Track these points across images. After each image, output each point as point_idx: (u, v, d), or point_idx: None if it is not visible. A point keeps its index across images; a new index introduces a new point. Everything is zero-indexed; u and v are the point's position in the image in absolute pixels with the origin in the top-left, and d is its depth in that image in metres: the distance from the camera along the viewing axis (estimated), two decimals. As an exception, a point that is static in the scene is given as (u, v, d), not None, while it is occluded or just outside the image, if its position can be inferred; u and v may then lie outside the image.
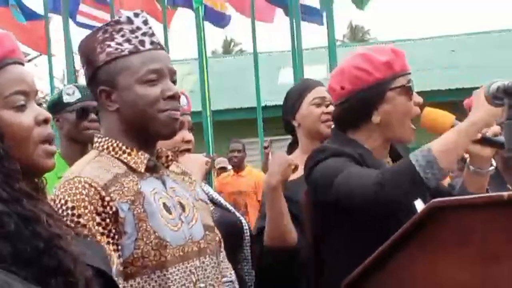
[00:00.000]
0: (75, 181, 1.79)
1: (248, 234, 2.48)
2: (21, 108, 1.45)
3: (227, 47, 38.27)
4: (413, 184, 1.97)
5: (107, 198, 1.78)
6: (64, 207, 1.77)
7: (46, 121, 1.48)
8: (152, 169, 1.90)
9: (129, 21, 1.90)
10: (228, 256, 2.30)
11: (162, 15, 7.77)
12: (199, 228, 1.93)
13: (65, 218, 1.74)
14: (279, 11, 8.37)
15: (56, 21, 8.81)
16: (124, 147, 1.89)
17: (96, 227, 1.76)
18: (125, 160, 1.88)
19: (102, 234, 1.76)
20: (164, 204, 1.86)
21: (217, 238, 2.07)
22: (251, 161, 12.61)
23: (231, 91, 16.87)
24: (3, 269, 1.24)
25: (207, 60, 9.36)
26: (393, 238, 1.81)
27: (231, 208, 2.52)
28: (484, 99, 2.00)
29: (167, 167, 1.97)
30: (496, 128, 2.09)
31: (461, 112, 2.51)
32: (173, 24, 8.74)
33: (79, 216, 1.76)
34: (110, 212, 1.78)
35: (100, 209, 1.77)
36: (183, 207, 1.91)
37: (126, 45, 1.87)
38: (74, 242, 1.41)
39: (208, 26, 8.41)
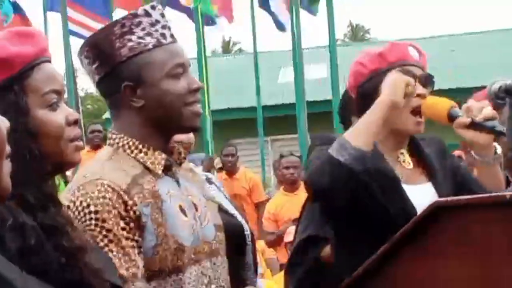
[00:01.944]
0: (97, 184, 1.74)
1: (250, 239, 2.47)
2: (54, 107, 1.45)
3: (227, 47, 38.30)
4: (335, 169, 2.01)
5: (130, 202, 1.74)
6: (86, 211, 1.72)
7: (75, 123, 1.49)
8: (166, 169, 1.87)
9: (147, 14, 1.85)
10: (230, 261, 2.29)
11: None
12: (211, 228, 1.92)
13: (87, 222, 1.71)
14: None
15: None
16: (140, 146, 1.85)
17: (121, 232, 1.72)
18: (142, 160, 1.84)
19: (127, 238, 1.73)
20: (180, 206, 1.84)
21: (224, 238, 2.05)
22: (251, 161, 12.63)
23: (231, 91, 16.87)
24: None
25: (206, 59, 9.37)
26: (394, 238, 1.80)
27: (233, 212, 2.50)
28: (390, 76, 2.11)
29: (180, 164, 1.93)
30: (487, 112, 2.06)
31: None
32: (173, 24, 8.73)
33: (103, 220, 1.71)
34: (133, 216, 1.74)
35: (124, 213, 1.73)
36: (196, 207, 1.90)
37: (148, 39, 1.83)
38: (94, 254, 1.42)
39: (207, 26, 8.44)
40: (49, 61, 1.50)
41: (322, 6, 7.71)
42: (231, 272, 2.44)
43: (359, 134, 2.06)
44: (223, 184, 2.69)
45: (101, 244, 1.70)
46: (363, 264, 1.87)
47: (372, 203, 2.10)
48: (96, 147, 8.00)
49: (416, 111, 2.19)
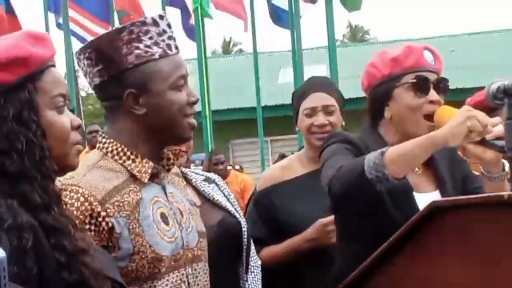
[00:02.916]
0: (72, 190, 1.78)
1: (246, 236, 2.47)
2: (61, 110, 1.48)
3: (227, 47, 38.27)
4: (359, 181, 1.95)
5: (103, 214, 1.77)
6: None
7: (78, 128, 1.51)
8: (153, 176, 1.89)
9: (155, 23, 1.87)
10: (227, 259, 2.30)
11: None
12: (195, 235, 1.93)
13: None
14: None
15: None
16: (129, 153, 1.87)
17: None
18: (129, 168, 1.86)
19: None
20: (162, 214, 1.86)
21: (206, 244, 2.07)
22: (251, 161, 12.63)
23: (231, 91, 16.87)
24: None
25: (206, 60, 9.37)
26: (393, 238, 1.81)
27: (231, 209, 2.51)
28: (457, 118, 1.98)
29: (168, 170, 1.95)
30: (497, 130, 2.05)
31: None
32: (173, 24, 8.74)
33: None
34: (106, 227, 1.77)
35: (86, 226, 1.75)
36: (181, 213, 1.91)
37: (155, 48, 1.84)
38: (96, 254, 1.43)
39: (207, 26, 8.44)
40: (55, 66, 1.52)
41: (322, 6, 7.71)
42: (229, 270, 2.44)
43: (398, 162, 1.96)
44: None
45: None
46: (361, 265, 1.88)
47: (379, 209, 2.09)
48: (94, 147, 8.00)
49: (429, 117, 2.19)
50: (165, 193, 1.90)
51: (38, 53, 1.44)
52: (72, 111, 3.49)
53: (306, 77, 8.35)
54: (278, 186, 2.76)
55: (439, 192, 2.23)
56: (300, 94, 2.88)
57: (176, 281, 1.84)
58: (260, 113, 7.50)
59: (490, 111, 2.78)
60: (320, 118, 2.77)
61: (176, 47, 1.89)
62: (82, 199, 1.77)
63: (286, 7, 7.97)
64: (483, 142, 2.03)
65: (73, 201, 1.76)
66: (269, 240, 2.73)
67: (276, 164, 2.99)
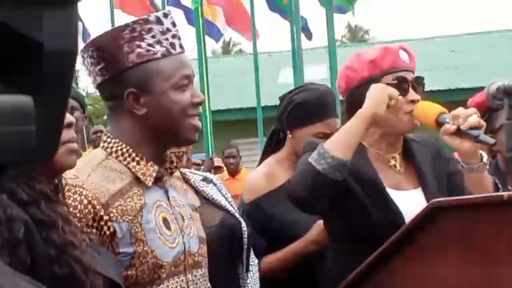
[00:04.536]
0: (76, 192, 1.75)
1: (246, 236, 2.48)
2: None
3: (227, 47, 38.26)
4: (314, 177, 2.03)
5: (106, 218, 1.75)
6: None
7: (69, 125, 1.48)
8: (157, 180, 1.86)
9: (159, 21, 1.82)
10: (228, 259, 2.29)
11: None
12: (196, 240, 1.91)
13: None
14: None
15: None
16: (134, 154, 1.83)
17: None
18: (133, 170, 1.82)
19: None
20: (164, 218, 1.83)
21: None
22: (251, 161, 12.61)
23: (231, 91, 16.87)
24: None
25: (206, 60, 9.36)
26: (393, 238, 1.81)
27: (230, 209, 2.51)
28: (374, 89, 2.11)
29: (171, 173, 1.92)
30: (473, 120, 2.06)
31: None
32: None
33: None
34: (108, 232, 1.75)
35: (88, 230, 1.73)
36: (182, 218, 1.89)
37: (157, 47, 1.80)
38: (88, 249, 1.42)
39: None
40: None
41: (321, 6, 7.71)
42: (230, 269, 2.44)
43: (339, 144, 2.07)
44: (224, 184, 2.68)
45: None
46: (362, 264, 1.88)
47: (356, 208, 2.13)
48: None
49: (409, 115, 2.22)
50: (168, 197, 1.87)
51: None
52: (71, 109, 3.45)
53: (306, 77, 8.36)
54: (267, 196, 2.73)
55: (421, 190, 2.25)
56: (315, 112, 2.74)
57: (176, 286, 1.82)
58: (260, 113, 7.49)
59: (491, 111, 2.79)
60: None
61: (181, 46, 1.85)
62: (85, 201, 1.74)
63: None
64: (459, 133, 2.05)
65: (77, 203, 1.74)
66: (267, 251, 2.73)
67: (257, 173, 2.91)
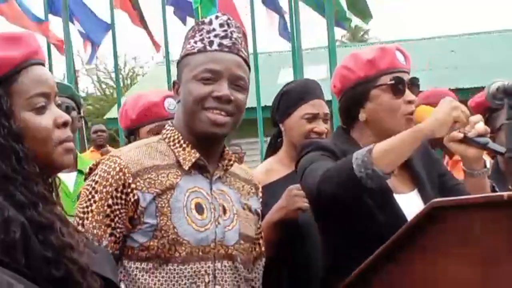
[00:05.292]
0: (111, 160, 1.93)
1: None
2: (41, 110, 1.45)
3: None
4: (349, 181, 1.96)
5: (132, 186, 1.89)
6: (92, 176, 1.93)
7: (65, 124, 1.48)
8: (201, 168, 1.98)
9: (210, 22, 2.02)
10: None
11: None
12: (234, 234, 1.99)
13: (87, 182, 1.93)
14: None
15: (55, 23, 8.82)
16: (182, 141, 2.00)
17: (105, 208, 1.88)
18: (177, 154, 1.98)
19: (107, 216, 1.88)
20: (198, 203, 1.94)
21: (254, 253, 2.13)
22: (251, 161, 12.61)
23: (231, 91, 16.84)
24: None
25: (207, 60, 9.28)
26: (393, 238, 1.81)
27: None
28: (441, 109, 2.00)
29: (226, 170, 2.04)
30: (480, 128, 2.07)
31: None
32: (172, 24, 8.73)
33: (96, 191, 1.90)
34: (132, 199, 1.88)
35: (118, 194, 1.88)
36: (224, 210, 1.98)
37: (198, 44, 1.99)
38: (86, 250, 1.42)
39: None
40: (41, 63, 1.50)
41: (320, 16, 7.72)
42: None
43: (387, 155, 1.97)
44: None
45: (83, 205, 1.89)
46: (362, 264, 1.88)
47: (364, 212, 2.12)
48: (99, 147, 7.99)
49: (409, 116, 2.22)
50: (211, 188, 1.99)
51: (6, 56, 1.43)
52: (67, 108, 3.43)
53: (306, 77, 8.35)
54: (267, 187, 2.75)
55: (418, 192, 2.25)
56: (298, 96, 2.88)
57: (200, 271, 1.90)
58: (260, 113, 7.47)
59: (491, 111, 2.79)
60: (321, 125, 2.83)
61: (220, 45, 1.97)
62: (117, 168, 1.90)
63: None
64: (465, 140, 2.05)
65: (110, 169, 1.91)
66: None
67: (257, 169, 2.97)
